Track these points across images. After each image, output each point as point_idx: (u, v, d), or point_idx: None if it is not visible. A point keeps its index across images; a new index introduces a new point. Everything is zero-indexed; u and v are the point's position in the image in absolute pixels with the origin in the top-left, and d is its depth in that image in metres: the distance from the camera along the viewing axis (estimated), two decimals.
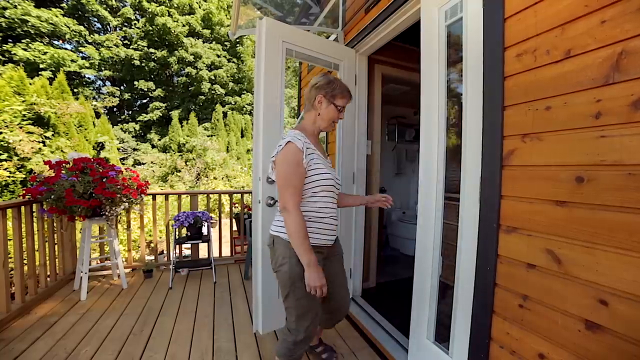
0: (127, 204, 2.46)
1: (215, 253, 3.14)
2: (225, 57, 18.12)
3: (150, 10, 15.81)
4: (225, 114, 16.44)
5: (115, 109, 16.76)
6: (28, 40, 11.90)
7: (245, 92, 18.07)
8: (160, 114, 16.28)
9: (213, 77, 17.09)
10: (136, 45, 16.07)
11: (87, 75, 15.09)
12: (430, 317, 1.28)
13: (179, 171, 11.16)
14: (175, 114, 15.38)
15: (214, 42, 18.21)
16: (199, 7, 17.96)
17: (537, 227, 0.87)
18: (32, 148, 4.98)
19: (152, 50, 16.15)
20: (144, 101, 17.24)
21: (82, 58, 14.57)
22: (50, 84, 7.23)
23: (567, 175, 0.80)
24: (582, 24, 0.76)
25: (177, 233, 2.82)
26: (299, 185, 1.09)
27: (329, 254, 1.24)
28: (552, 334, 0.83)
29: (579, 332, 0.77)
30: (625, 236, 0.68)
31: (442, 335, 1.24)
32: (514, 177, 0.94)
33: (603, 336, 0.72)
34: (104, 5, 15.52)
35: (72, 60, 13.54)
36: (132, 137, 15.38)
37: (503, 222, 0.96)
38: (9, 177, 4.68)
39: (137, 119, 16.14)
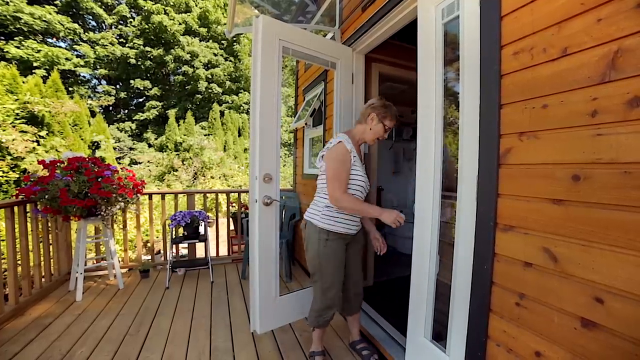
0: (122, 203, 2.44)
1: (212, 252, 3.13)
2: (222, 55, 18.02)
3: (146, 8, 15.67)
4: (222, 113, 16.36)
5: (111, 108, 16.61)
6: (21, 37, 11.73)
7: (242, 90, 17.99)
8: (157, 113, 16.17)
9: (210, 76, 16.99)
10: (132, 43, 15.92)
11: (82, 74, 14.93)
12: (427, 316, 1.28)
13: (176, 170, 11.09)
14: (171, 113, 15.27)
15: (210, 41, 18.10)
16: (196, 5, 17.83)
17: (534, 226, 0.87)
18: (25, 147, 4.90)
19: (148, 48, 16.01)
20: (140, 100, 17.10)
21: (77, 56, 14.41)
22: (44, 82, 7.13)
23: (563, 173, 0.80)
24: (578, 22, 0.76)
25: (173, 233, 2.80)
26: (345, 179, 1.35)
27: (352, 240, 1.51)
28: (548, 332, 0.83)
29: (575, 329, 0.77)
30: (620, 234, 0.69)
31: (440, 334, 1.24)
32: (511, 175, 0.94)
33: (599, 334, 0.72)
34: (99, 3, 15.34)
35: (67, 59, 13.38)
36: (129, 136, 15.26)
37: (500, 220, 0.96)
38: (1, 177, 4.62)
39: (134, 118, 16.01)
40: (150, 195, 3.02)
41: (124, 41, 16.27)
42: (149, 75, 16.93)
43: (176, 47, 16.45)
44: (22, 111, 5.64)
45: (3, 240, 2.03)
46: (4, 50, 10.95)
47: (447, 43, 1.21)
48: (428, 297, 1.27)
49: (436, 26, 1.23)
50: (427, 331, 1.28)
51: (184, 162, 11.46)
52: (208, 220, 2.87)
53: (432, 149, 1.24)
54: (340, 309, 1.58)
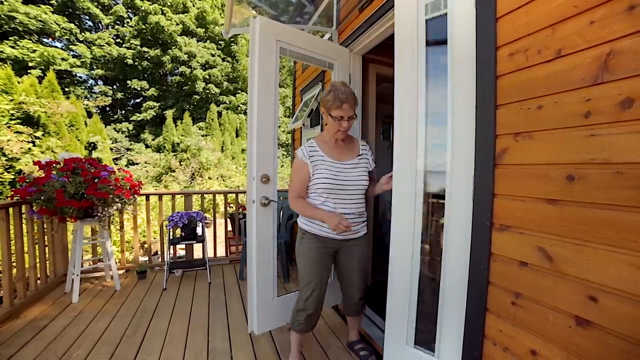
0: (119, 204, 2.43)
1: (210, 253, 3.11)
2: (219, 56, 17.99)
3: (143, 8, 15.62)
4: (219, 114, 16.33)
5: (107, 109, 16.53)
6: (16, 37, 11.63)
7: (240, 91, 17.96)
8: (154, 114, 16.10)
9: (207, 77, 16.95)
10: (129, 43, 15.86)
11: (78, 74, 14.84)
12: (410, 321, 1.23)
13: (173, 171, 11.05)
14: (169, 113, 15.23)
15: (208, 41, 18.08)
16: (193, 6, 17.79)
17: (529, 225, 0.88)
18: (21, 148, 4.87)
19: (145, 49, 15.95)
20: (137, 100, 17.03)
21: (73, 56, 14.32)
22: (40, 82, 7.09)
23: (558, 173, 0.81)
24: (571, 24, 0.77)
25: (171, 233, 2.79)
26: (298, 186, 1.37)
27: (340, 247, 1.41)
28: (543, 331, 0.84)
29: (570, 328, 0.78)
30: (613, 233, 0.69)
31: (425, 338, 1.19)
32: (507, 175, 0.94)
33: (592, 332, 0.73)
34: (95, 3, 15.25)
35: (63, 59, 13.29)
36: (126, 137, 15.18)
37: (496, 220, 0.97)
38: None
39: (131, 119, 15.93)
40: (147, 196, 3.00)
41: (121, 41, 16.20)
42: (146, 75, 16.87)
43: (173, 47, 16.40)
44: (17, 112, 5.60)
45: None
46: None
47: (430, 42, 1.16)
48: (410, 301, 1.22)
49: (418, 23, 1.16)
50: (409, 338, 1.22)
51: (182, 163, 11.42)
52: (206, 221, 2.86)
53: (414, 155, 1.19)
54: (317, 317, 1.47)
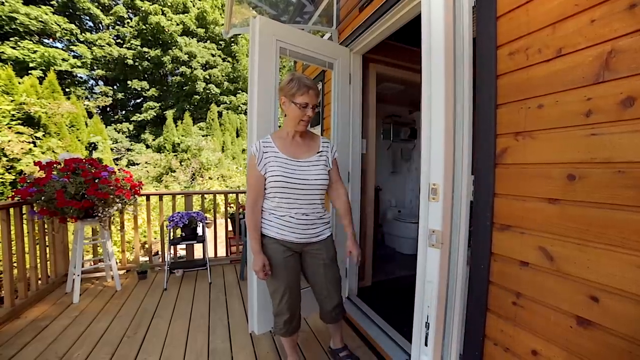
0: (120, 204, 2.43)
1: (210, 253, 3.11)
2: (220, 56, 18.00)
3: (143, 8, 15.63)
4: (220, 114, 16.34)
5: (108, 109, 16.56)
6: (17, 38, 11.65)
7: (240, 91, 17.97)
8: (155, 114, 16.12)
9: (208, 77, 16.97)
10: (129, 44, 15.87)
11: (79, 75, 14.86)
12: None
13: (174, 171, 11.06)
14: (169, 113, 15.24)
15: (208, 41, 18.09)
16: (193, 6, 17.81)
17: (530, 225, 0.88)
18: (21, 149, 4.88)
19: (145, 49, 15.97)
20: (138, 101, 17.06)
21: (74, 57, 14.34)
22: (41, 83, 7.11)
23: (559, 173, 0.81)
24: (572, 23, 0.77)
25: (171, 234, 2.79)
26: (255, 186, 1.25)
27: (303, 251, 1.34)
28: (544, 331, 0.84)
29: (571, 328, 0.78)
30: (615, 233, 0.69)
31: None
32: (507, 175, 0.94)
33: (594, 332, 0.73)
34: (96, 4, 15.28)
35: (63, 59, 13.31)
36: (126, 137, 15.21)
37: (496, 220, 0.97)
38: None
39: (131, 119, 15.96)
40: (147, 196, 3.01)
41: (121, 42, 16.22)
42: (146, 76, 16.89)
43: (174, 47, 16.42)
44: (18, 112, 5.62)
45: None
46: (0, 51, 10.87)
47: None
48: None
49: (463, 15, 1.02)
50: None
51: (182, 163, 11.44)
52: (206, 221, 2.86)
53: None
54: (296, 319, 1.40)
